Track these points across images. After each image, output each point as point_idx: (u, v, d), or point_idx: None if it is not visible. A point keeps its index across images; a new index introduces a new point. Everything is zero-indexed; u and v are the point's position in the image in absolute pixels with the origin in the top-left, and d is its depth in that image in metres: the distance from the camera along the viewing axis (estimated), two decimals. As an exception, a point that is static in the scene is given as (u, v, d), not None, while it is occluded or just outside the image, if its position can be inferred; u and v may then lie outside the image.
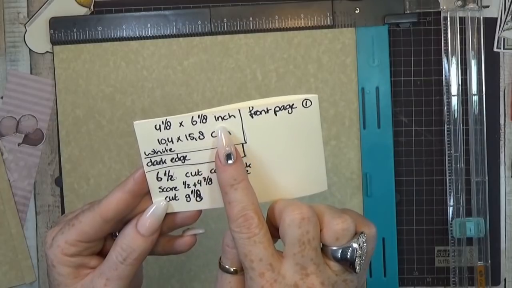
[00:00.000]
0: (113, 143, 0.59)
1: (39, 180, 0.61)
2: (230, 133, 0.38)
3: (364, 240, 0.36)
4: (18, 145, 0.61)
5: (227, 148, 0.37)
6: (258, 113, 0.38)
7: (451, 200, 0.58)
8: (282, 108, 0.38)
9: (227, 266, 0.38)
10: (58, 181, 0.61)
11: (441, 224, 0.59)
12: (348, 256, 0.36)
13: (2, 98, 0.60)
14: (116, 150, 0.60)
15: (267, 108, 0.37)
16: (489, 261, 0.58)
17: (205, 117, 0.38)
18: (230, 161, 0.37)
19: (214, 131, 0.38)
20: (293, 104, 0.38)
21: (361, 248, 0.36)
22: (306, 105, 0.38)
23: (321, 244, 0.37)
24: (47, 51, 0.60)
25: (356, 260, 0.36)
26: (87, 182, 0.60)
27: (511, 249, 0.59)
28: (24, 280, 0.61)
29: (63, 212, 0.61)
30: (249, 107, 0.37)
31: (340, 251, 0.36)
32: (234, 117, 0.38)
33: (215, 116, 0.38)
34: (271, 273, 0.36)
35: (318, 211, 0.37)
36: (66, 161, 0.60)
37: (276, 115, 0.38)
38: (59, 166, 0.60)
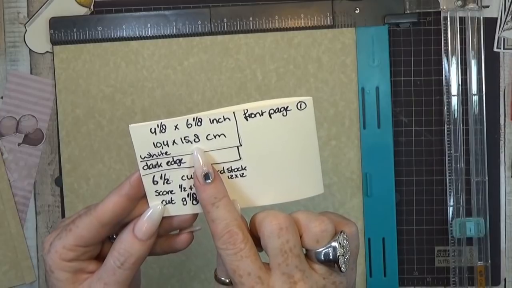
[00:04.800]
0: (113, 143, 0.59)
1: (39, 180, 0.61)
2: (204, 152, 0.38)
3: (344, 238, 0.37)
4: (18, 145, 0.61)
5: (204, 168, 0.37)
6: (253, 115, 0.38)
7: (451, 200, 0.58)
8: (276, 111, 0.37)
9: (222, 278, 0.38)
10: (58, 181, 0.61)
11: (441, 224, 0.59)
12: (331, 256, 0.36)
13: (2, 98, 0.60)
14: (116, 150, 0.60)
15: (261, 111, 0.37)
16: (489, 261, 0.58)
17: (200, 120, 0.38)
18: (208, 181, 0.37)
19: (209, 134, 0.38)
20: (287, 107, 0.37)
21: (343, 246, 0.37)
22: (300, 107, 0.38)
23: (304, 250, 0.37)
24: (47, 51, 0.60)
25: (340, 259, 0.36)
26: (87, 182, 0.60)
27: (511, 249, 0.59)
28: (24, 280, 0.61)
29: (63, 212, 0.61)
30: (244, 110, 0.37)
31: (322, 253, 0.36)
32: (229, 119, 0.38)
33: (210, 119, 0.38)
34: (260, 285, 0.36)
35: (295, 218, 0.37)
36: (66, 161, 0.60)
37: (271, 117, 0.38)
38: (59, 166, 0.60)
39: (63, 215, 0.61)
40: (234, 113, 0.37)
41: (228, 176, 0.39)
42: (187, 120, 0.38)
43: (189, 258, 0.59)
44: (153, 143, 0.38)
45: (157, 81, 0.59)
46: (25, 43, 0.60)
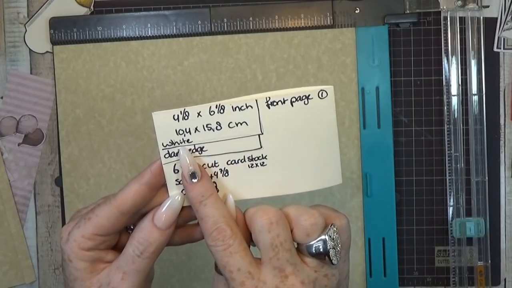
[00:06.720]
0: (113, 143, 0.59)
1: (39, 180, 0.61)
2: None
3: (334, 231, 0.37)
4: (18, 145, 0.61)
5: (190, 168, 0.38)
6: (275, 103, 0.38)
7: (451, 200, 0.58)
8: (298, 99, 0.38)
9: None
10: (58, 181, 0.61)
11: (441, 224, 0.59)
12: (322, 249, 0.37)
13: (2, 98, 0.60)
14: (116, 150, 0.60)
15: (283, 99, 0.38)
16: (489, 261, 0.58)
17: (222, 107, 0.38)
18: (194, 180, 0.38)
19: (231, 122, 0.38)
20: (309, 95, 0.38)
21: (333, 239, 0.37)
22: (322, 96, 0.38)
23: (295, 244, 0.38)
24: (47, 51, 0.60)
25: (331, 252, 0.37)
26: (87, 182, 0.60)
27: (511, 249, 0.59)
28: (24, 280, 0.61)
29: (63, 212, 0.61)
30: (266, 98, 0.38)
31: (313, 246, 0.37)
32: (251, 107, 0.38)
33: (232, 107, 0.38)
34: (251, 280, 0.36)
35: (286, 212, 0.38)
36: (66, 161, 0.60)
37: (292, 106, 0.38)
38: (59, 166, 0.60)
39: (63, 215, 0.61)
40: (256, 100, 0.38)
41: (248, 165, 0.39)
42: (210, 107, 0.38)
43: (190, 258, 0.59)
44: (176, 130, 0.38)
45: (157, 81, 0.59)
46: (25, 43, 0.60)
